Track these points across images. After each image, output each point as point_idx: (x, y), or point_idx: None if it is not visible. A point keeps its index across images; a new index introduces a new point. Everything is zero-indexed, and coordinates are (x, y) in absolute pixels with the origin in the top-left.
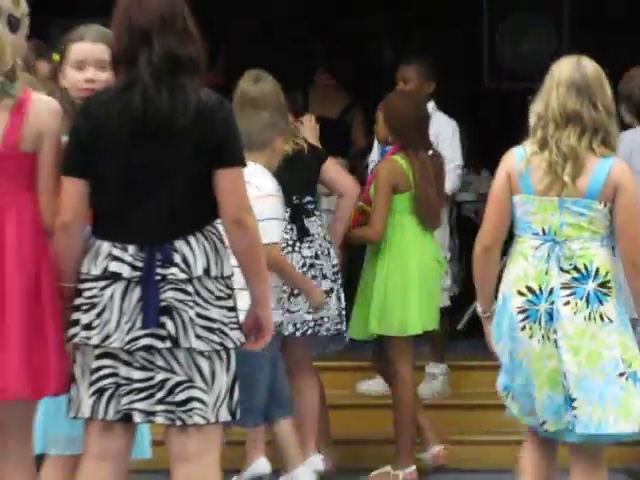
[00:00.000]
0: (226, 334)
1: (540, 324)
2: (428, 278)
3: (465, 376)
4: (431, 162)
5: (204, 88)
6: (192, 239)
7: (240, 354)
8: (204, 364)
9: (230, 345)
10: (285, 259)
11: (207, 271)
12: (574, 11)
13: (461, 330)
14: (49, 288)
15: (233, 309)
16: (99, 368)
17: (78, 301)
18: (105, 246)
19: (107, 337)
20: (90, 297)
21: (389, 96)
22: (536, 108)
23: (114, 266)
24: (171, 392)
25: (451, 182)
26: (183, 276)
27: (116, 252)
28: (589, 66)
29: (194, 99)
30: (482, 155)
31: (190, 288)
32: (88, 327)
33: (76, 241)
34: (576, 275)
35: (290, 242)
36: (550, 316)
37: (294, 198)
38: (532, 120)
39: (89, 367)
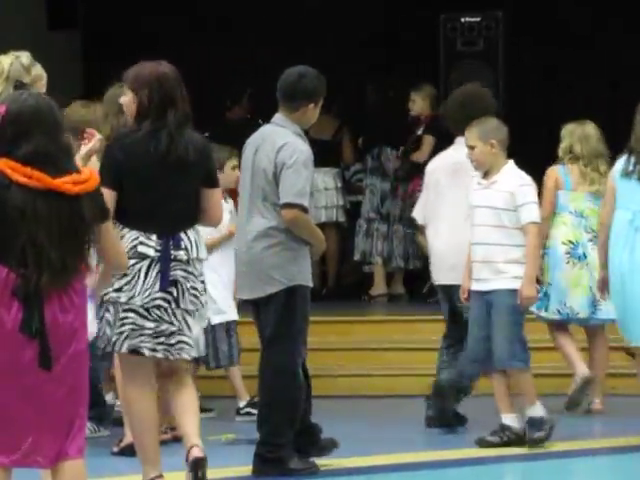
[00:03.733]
0: (200, 300)
1: None
2: None
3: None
4: None
5: (193, 131)
6: (189, 232)
7: None
8: (189, 319)
9: (201, 307)
10: None
11: (197, 255)
12: (507, 59)
13: (424, 293)
14: None
15: (203, 282)
16: (124, 318)
17: None
18: (131, 234)
19: (132, 297)
20: None
21: None
22: None
23: (142, 248)
24: (169, 337)
25: None
26: (186, 257)
27: (143, 239)
28: None
29: (198, 141)
30: None
31: (189, 268)
32: (119, 290)
33: None
34: None
35: None
36: None
37: None
38: None
39: (116, 317)
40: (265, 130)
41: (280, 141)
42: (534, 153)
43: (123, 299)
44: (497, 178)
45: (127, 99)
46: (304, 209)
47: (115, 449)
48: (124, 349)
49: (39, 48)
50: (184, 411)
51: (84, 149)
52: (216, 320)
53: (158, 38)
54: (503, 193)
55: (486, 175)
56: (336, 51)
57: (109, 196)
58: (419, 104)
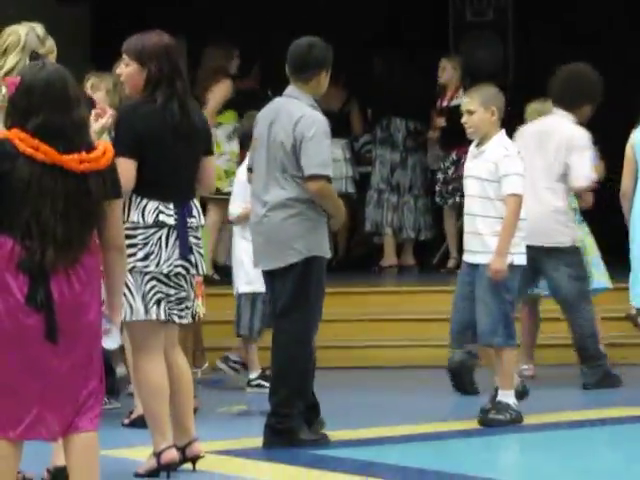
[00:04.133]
0: (204, 266)
1: None
2: None
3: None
4: None
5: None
6: (194, 200)
7: None
8: (194, 283)
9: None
10: None
11: (202, 222)
12: (517, 28)
13: (435, 264)
14: None
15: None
16: (152, 287)
17: (130, 242)
18: (152, 204)
19: (158, 265)
20: (144, 239)
21: None
22: None
23: (163, 217)
24: (181, 303)
25: None
26: (196, 224)
27: (162, 208)
28: None
29: (198, 109)
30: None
31: (198, 234)
32: (144, 259)
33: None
34: None
35: None
36: None
37: None
38: None
39: (140, 286)
40: (278, 103)
41: (297, 113)
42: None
43: (152, 267)
44: (486, 147)
45: (130, 70)
46: (329, 180)
47: (126, 421)
48: (163, 317)
49: (47, 22)
50: (183, 395)
51: (97, 125)
52: (244, 289)
53: (167, 10)
54: (488, 163)
55: (479, 144)
56: (342, 18)
57: (130, 166)
58: (449, 72)
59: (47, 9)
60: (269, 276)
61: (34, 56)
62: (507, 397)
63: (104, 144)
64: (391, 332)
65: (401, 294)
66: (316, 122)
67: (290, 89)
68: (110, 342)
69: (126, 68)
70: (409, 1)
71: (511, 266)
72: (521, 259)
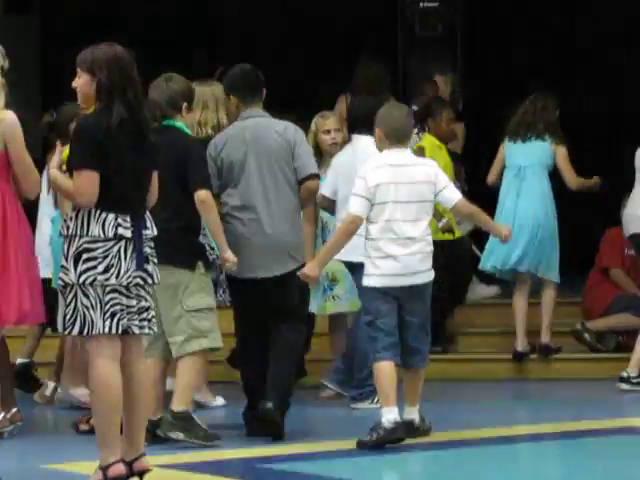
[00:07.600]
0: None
1: None
2: None
3: None
4: None
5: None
6: (147, 212)
7: None
8: (151, 293)
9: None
10: None
11: (153, 232)
12: (466, 44)
13: None
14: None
15: None
16: (111, 299)
17: (90, 255)
18: (110, 216)
19: (117, 277)
20: (104, 252)
21: None
22: None
23: (121, 230)
24: (144, 312)
25: None
26: (151, 235)
27: (120, 220)
28: None
29: (151, 121)
30: None
31: (151, 244)
32: (104, 272)
33: None
34: None
35: None
36: None
37: None
38: None
39: (101, 300)
40: (247, 122)
41: (278, 125)
42: (493, 134)
43: (112, 280)
44: None
45: (82, 81)
46: None
47: (85, 427)
48: (119, 330)
49: None
50: (138, 410)
51: (54, 161)
52: None
53: (123, 21)
54: None
55: None
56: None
57: (94, 178)
58: (441, 88)
59: None
60: (258, 284)
61: (5, 71)
62: (383, 413)
63: None
64: None
65: None
66: (298, 129)
67: (255, 110)
68: None
69: (79, 79)
70: (360, 17)
71: (364, 287)
72: (370, 281)
